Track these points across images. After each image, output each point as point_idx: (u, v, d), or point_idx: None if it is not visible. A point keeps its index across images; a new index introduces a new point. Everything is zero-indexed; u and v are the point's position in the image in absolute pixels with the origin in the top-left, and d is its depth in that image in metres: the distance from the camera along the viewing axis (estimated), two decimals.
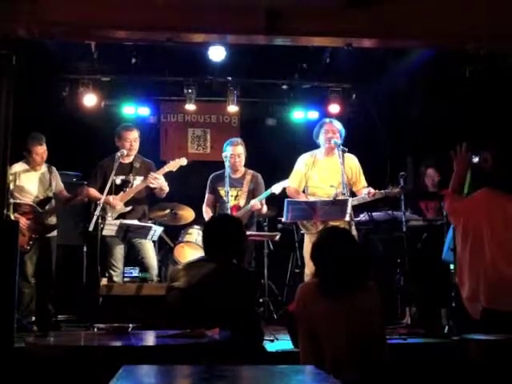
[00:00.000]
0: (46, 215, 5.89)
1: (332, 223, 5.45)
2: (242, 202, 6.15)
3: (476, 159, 5.60)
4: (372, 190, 5.73)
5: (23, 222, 5.71)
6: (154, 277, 5.90)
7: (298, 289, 3.41)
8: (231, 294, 3.43)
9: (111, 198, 5.81)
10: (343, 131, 5.89)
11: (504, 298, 3.60)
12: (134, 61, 6.55)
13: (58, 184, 6.10)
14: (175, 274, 3.65)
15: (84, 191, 5.94)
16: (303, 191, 5.96)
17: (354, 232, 5.75)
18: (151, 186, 5.93)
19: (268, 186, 6.19)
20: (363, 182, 5.96)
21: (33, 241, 5.79)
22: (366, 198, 5.75)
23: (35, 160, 5.91)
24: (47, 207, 5.93)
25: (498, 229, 3.74)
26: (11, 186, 5.79)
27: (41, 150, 5.90)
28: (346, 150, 5.73)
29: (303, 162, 5.97)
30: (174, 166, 6.08)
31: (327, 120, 6.04)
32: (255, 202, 6.03)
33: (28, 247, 5.75)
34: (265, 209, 6.21)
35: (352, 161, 5.93)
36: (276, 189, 6.01)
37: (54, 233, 6.02)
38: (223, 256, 3.59)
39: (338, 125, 5.92)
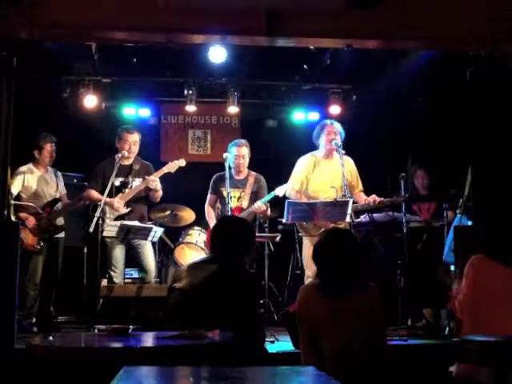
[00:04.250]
0: (54, 216, 5.93)
1: (332, 224, 5.48)
2: (244, 204, 6.14)
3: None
4: (377, 198, 5.73)
5: (32, 222, 5.75)
6: (152, 280, 5.90)
7: (299, 290, 3.42)
8: (232, 295, 3.43)
9: (115, 200, 5.82)
10: (343, 133, 5.89)
11: None
12: (134, 62, 6.56)
13: (61, 189, 6.20)
14: (178, 275, 3.65)
15: (86, 196, 6.00)
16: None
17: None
18: (150, 186, 5.94)
19: (268, 187, 6.19)
20: (360, 185, 5.97)
21: (43, 241, 5.83)
22: (371, 205, 5.76)
23: (45, 158, 5.98)
24: (55, 208, 5.98)
25: (500, 301, 3.52)
26: (19, 187, 5.85)
27: (51, 148, 6.00)
28: (344, 152, 5.74)
29: (304, 164, 5.93)
30: (172, 167, 6.08)
31: (328, 122, 6.02)
32: (261, 204, 6.01)
33: (38, 247, 5.80)
34: (269, 211, 6.19)
35: (350, 164, 5.94)
36: (279, 191, 5.98)
37: (62, 234, 6.09)
38: (228, 257, 3.58)
39: (338, 126, 5.91)
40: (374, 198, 5.74)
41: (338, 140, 5.80)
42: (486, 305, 3.46)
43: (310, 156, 5.97)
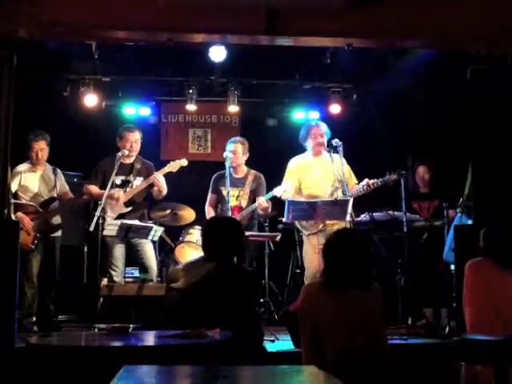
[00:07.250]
0: (50, 215, 5.92)
1: (330, 223, 5.51)
2: (243, 203, 6.13)
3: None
4: (370, 181, 5.74)
5: (27, 221, 5.75)
6: (154, 277, 5.90)
7: (303, 288, 3.43)
8: (230, 293, 3.43)
9: (115, 191, 5.82)
10: (329, 132, 5.95)
11: None
12: (134, 61, 6.55)
13: (62, 186, 6.16)
14: (174, 275, 3.66)
15: (85, 191, 6.02)
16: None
17: None
18: (155, 183, 5.93)
19: (268, 186, 6.19)
20: (354, 179, 6.00)
21: (37, 240, 5.82)
22: (365, 189, 5.75)
23: (34, 156, 5.93)
24: (51, 207, 5.96)
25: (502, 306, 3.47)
26: (16, 186, 5.84)
27: (38, 146, 5.93)
28: (331, 150, 5.77)
29: (294, 164, 6.02)
30: (174, 166, 6.09)
31: (313, 123, 6.09)
32: (262, 200, 5.98)
33: (33, 246, 5.78)
34: (270, 209, 6.17)
35: (339, 161, 5.95)
36: (277, 192, 5.95)
37: (59, 233, 6.07)
38: (222, 255, 3.59)
39: (324, 127, 5.98)
40: (366, 182, 5.76)
41: (324, 141, 5.86)
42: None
43: (298, 158, 6.05)
